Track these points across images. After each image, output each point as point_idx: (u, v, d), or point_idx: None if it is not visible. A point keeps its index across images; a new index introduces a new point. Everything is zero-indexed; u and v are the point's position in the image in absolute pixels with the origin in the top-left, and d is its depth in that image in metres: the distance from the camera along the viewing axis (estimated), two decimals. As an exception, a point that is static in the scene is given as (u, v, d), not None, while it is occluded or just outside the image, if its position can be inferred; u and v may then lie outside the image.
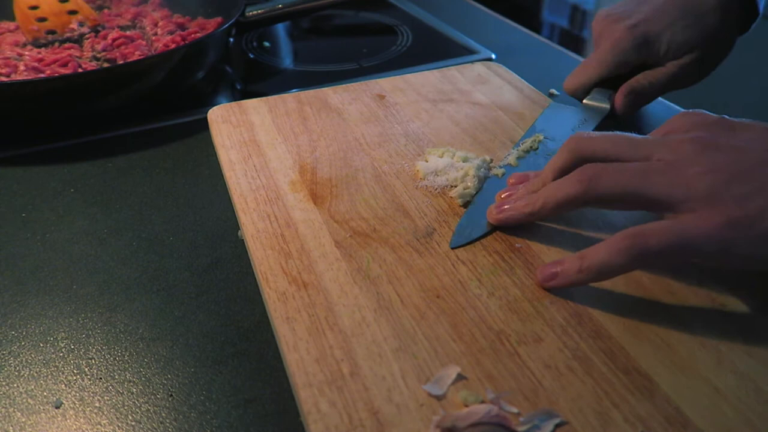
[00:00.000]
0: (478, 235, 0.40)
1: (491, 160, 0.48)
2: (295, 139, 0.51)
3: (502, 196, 0.42)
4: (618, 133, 0.37)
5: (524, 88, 0.59)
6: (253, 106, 0.56)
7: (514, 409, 0.29)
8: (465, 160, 0.47)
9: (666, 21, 0.53)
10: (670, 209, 0.33)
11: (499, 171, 0.46)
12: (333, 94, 0.59)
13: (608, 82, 0.56)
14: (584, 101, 0.56)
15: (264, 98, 0.58)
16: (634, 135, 0.37)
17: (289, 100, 0.58)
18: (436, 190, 0.45)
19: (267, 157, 0.49)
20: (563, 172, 0.38)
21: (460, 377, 0.31)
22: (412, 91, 0.59)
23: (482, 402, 0.30)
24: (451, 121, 0.54)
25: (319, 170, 0.47)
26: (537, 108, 0.56)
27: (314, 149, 0.50)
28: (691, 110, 0.37)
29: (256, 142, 0.51)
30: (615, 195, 0.34)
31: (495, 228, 0.41)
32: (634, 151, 0.35)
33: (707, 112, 0.36)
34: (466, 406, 0.30)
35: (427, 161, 0.47)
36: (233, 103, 0.57)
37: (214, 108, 0.56)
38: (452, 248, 0.40)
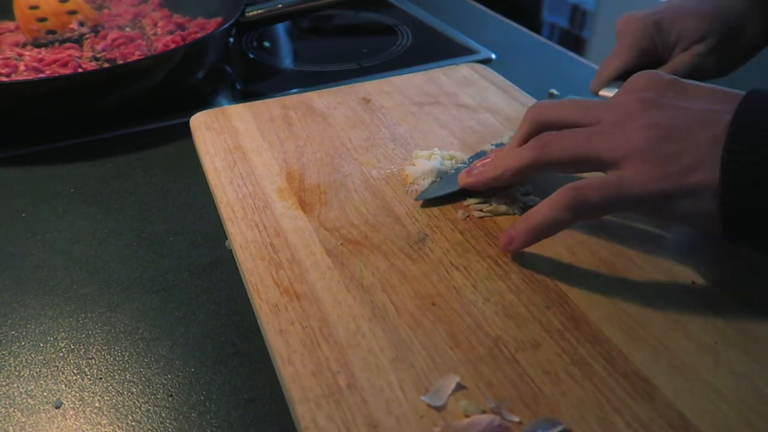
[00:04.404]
0: (443, 193, 0.43)
1: None
2: (280, 146, 0.51)
3: (477, 164, 0.44)
4: (574, 99, 0.39)
5: (509, 90, 0.59)
6: (237, 112, 0.56)
7: (516, 418, 0.29)
8: (452, 158, 0.47)
9: (681, 11, 0.54)
10: (612, 166, 0.35)
11: (489, 148, 0.48)
12: (318, 99, 0.58)
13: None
14: (600, 92, 0.56)
15: (248, 104, 0.57)
16: (587, 100, 0.39)
17: (274, 105, 0.57)
18: None
19: (253, 164, 0.49)
20: (525, 139, 0.40)
21: (459, 387, 0.31)
22: (397, 93, 0.59)
23: (483, 412, 0.29)
24: (438, 123, 0.54)
25: (307, 177, 0.47)
26: (524, 109, 0.55)
27: (301, 155, 0.50)
28: (647, 70, 0.38)
29: (241, 149, 0.50)
30: (564, 159, 0.37)
31: (462, 190, 0.44)
32: (586, 116, 0.37)
33: (663, 73, 0.37)
34: (467, 416, 0.29)
35: (414, 165, 0.47)
36: (216, 109, 0.56)
37: (197, 114, 0.55)
38: (415, 200, 0.44)
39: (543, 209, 0.36)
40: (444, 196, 0.44)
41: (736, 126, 0.32)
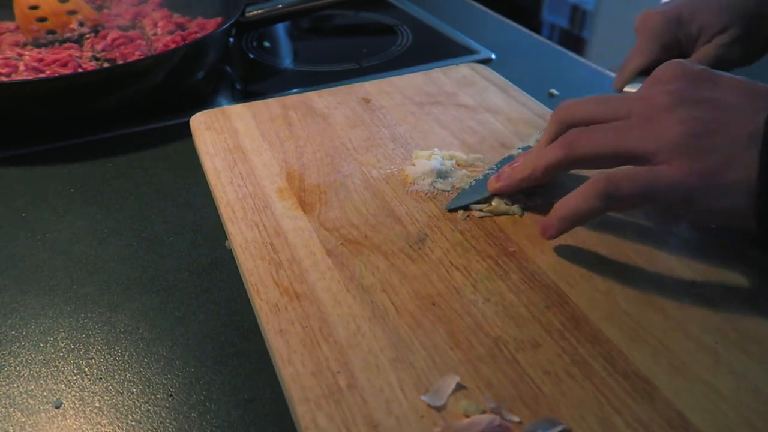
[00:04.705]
0: (475, 200, 0.43)
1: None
2: (280, 146, 0.51)
3: (505, 168, 0.43)
4: (600, 95, 0.39)
5: (509, 90, 0.59)
6: (237, 112, 0.56)
7: (516, 418, 0.29)
8: (451, 158, 0.47)
9: (700, 3, 0.53)
10: (644, 161, 0.35)
11: (516, 152, 0.48)
12: (318, 99, 0.58)
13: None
14: (624, 89, 0.56)
15: (248, 104, 0.57)
16: (614, 95, 0.38)
17: (273, 105, 0.57)
18: (426, 194, 0.45)
19: (253, 164, 0.49)
20: (553, 140, 0.39)
21: (459, 386, 0.31)
22: (397, 93, 0.59)
23: (483, 412, 0.29)
24: (438, 123, 0.54)
25: (307, 177, 0.47)
26: (524, 109, 0.55)
27: (301, 155, 0.50)
28: (675, 60, 0.38)
29: (241, 149, 0.50)
30: (594, 155, 0.36)
31: (492, 195, 0.43)
32: (614, 111, 0.37)
33: (691, 63, 0.37)
34: (467, 416, 0.29)
35: (414, 165, 0.47)
36: (216, 109, 0.56)
37: (197, 114, 0.55)
38: (447, 209, 0.43)
39: (575, 198, 0.36)
40: (475, 202, 0.43)
41: None
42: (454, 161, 0.47)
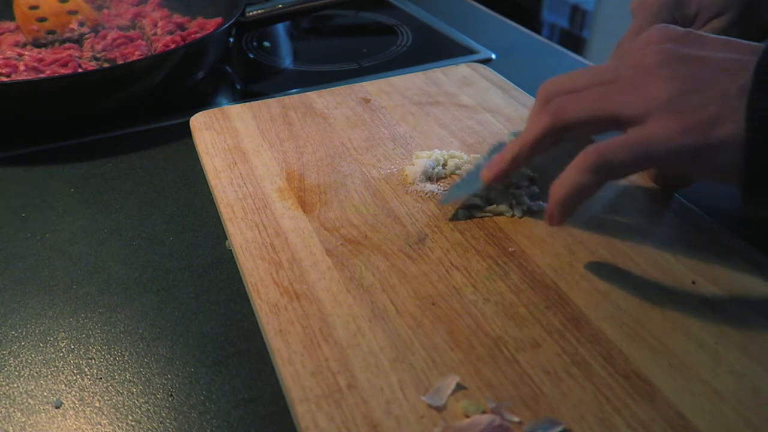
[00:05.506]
0: (469, 192, 0.43)
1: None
2: (280, 146, 0.51)
3: (496, 157, 0.42)
4: (584, 67, 0.38)
5: (510, 90, 0.59)
6: (237, 111, 0.56)
7: (516, 418, 0.29)
8: (452, 158, 0.47)
9: None
10: (634, 123, 0.34)
11: (508, 139, 0.47)
12: (318, 99, 0.58)
13: None
14: None
15: (248, 103, 0.57)
16: (600, 65, 0.37)
17: (273, 105, 0.57)
18: (426, 194, 0.45)
19: (253, 164, 0.49)
20: None
21: (459, 387, 0.31)
22: (397, 93, 0.59)
23: (483, 412, 0.30)
24: (438, 123, 0.54)
25: (307, 177, 0.47)
26: (524, 109, 0.55)
27: (301, 155, 0.50)
28: (660, 24, 0.37)
29: (241, 149, 0.50)
30: (582, 120, 0.35)
31: (488, 187, 0.42)
32: (601, 77, 0.36)
33: (676, 27, 0.36)
34: (467, 416, 0.29)
35: (414, 165, 0.47)
36: (216, 109, 0.56)
37: (197, 115, 0.55)
38: (441, 203, 0.43)
39: (568, 177, 0.34)
40: (469, 207, 0.43)
41: (761, 74, 0.31)
42: (458, 160, 0.47)
